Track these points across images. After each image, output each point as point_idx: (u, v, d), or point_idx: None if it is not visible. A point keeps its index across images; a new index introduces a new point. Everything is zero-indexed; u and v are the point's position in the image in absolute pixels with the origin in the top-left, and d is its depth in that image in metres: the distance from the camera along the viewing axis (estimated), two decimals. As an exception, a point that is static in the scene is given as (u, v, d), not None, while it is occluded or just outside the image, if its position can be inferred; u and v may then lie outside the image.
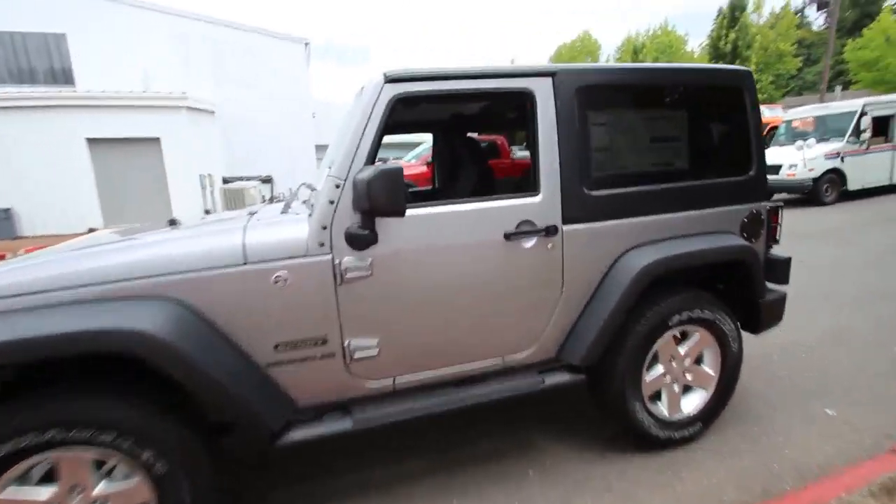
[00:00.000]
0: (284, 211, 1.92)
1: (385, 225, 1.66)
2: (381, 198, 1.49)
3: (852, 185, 9.18)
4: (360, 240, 1.61)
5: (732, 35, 27.91)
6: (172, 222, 1.97)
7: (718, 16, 29.57)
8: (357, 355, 1.71)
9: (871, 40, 23.27)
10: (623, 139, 2.03)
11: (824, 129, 9.62)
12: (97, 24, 13.88)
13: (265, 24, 16.13)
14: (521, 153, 7.64)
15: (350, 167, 1.64)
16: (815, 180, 8.89)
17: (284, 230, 1.64)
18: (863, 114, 9.03)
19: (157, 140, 13.05)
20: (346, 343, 1.69)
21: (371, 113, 1.65)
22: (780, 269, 2.34)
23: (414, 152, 10.76)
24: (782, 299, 2.35)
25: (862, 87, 23.64)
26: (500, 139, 8.56)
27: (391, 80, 1.67)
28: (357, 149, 1.64)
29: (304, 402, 1.71)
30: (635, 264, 1.93)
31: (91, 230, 10.12)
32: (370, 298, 1.70)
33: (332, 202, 1.63)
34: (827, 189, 9.04)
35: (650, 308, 2.01)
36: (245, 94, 15.29)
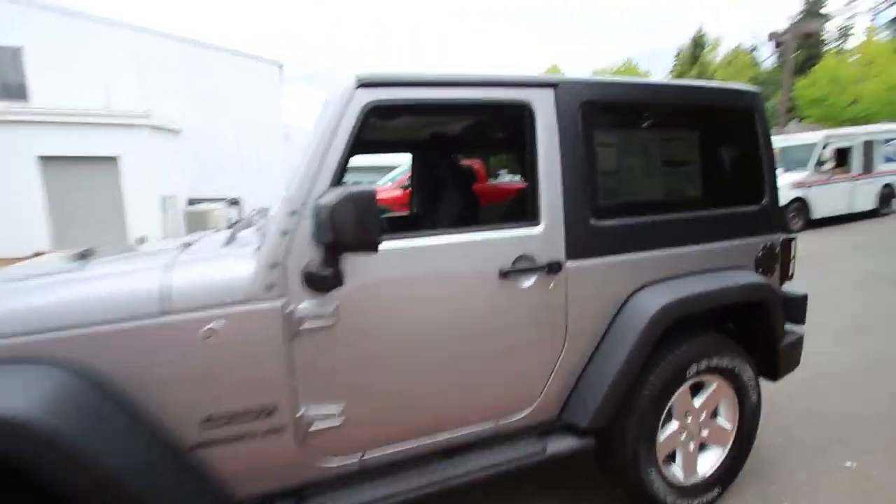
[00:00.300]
0: (229, 242, 1.56)
1: (354, 262, 1.33)
2: (348, 229, 1.17)
3: (817, 213, 9.45)
4: (322, 281, 1.26)
5: (694, 71, 29.46)
6: (83, 255, 1.57)
7: (679, 54, 31.28)
8: (315, 427, 1.34)
9: (818, 79, 24.99)
10: (632, 162, 1.79)
11: (787, 160, 9.96)
12: (57, 39, 13.26)
13: (241, 47, 15.81)
14: (509, 177, 7.45)
15: (310, 190, 1.31)
16: (782, 209, 9.11)
17: (221, 268, 1.28)
18: (825, 145, 9.40)
19: (114, 159, 12.42)
20: (300, 412, 1.32)
21: (339, 124, 1.34)
22: (797, 308, 2.12)
23: (390, 175, 10.47)
24: (800, 341, 2.12)
25: (811, 122, 25.23)
26: (476, 163, 8.38)
27: (364, 84, 1.37)
28: (320, 167, 1.32)
29: (245, 490, 1.32)
30: (650, 306, 1.66)
31: (37, 254, 9.29)
32: (334, 354, 1.34)
33: (285, 233, 1.29)
34: (793, 217, 9.27)
35: (665, 356, 1.73)
36: (216, 115, 14.84)
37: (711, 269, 1.87)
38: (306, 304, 1.29)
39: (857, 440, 2.43)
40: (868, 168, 9.84)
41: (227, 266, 1.29)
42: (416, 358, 1.44)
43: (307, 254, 1.29)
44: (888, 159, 10.13)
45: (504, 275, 1.50)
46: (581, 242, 1.62)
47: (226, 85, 15.01)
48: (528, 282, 1.55)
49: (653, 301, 1.67)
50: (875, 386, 3.03)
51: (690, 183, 1.89)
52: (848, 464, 2.25)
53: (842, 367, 3.30)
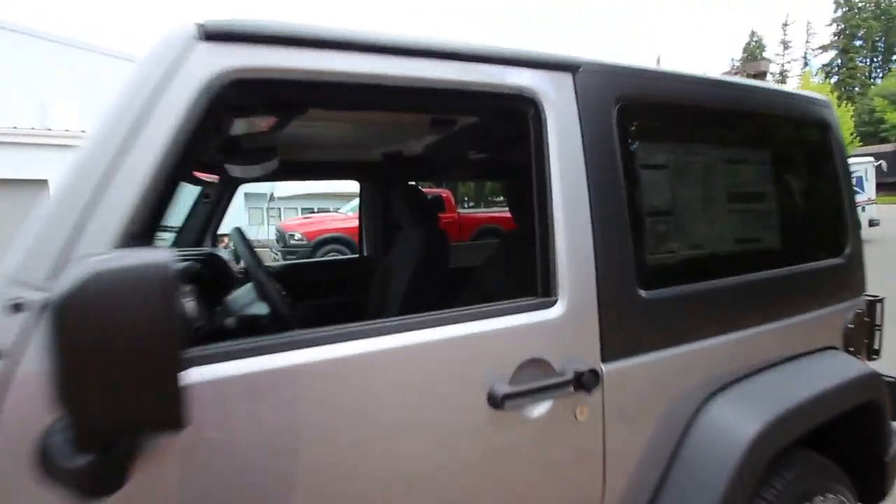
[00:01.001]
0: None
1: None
2: (91, 374, 0.44)
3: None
4: (74, 479, 0.52)
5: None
6: None
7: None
8: None
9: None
10: (690, 196, 1.16)
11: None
12: (-15, 52, 12.08)
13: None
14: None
15: (63, 253, 0.58)
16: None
17: None
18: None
19: (44, 182, 11.16)
20: None
21: (154, 107, 0.63)
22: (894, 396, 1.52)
23: (353, 204, 9.68)
24: None
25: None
26: (445, 193, 7.66)
27: (214, 35, 0.67)
28: (94, 201, 0.60)
29: None
30: (738, 431, 0.99)
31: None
32: None
33: None
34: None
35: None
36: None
37: (797, 356, 1.25)
38: None
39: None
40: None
41: None
42: None
43: (41, 410, 0.55)
44: (849, 191, 10.30)
45: (498, 401, 0.80)
46: (625, 330, 0.95)
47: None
48: (541, 409, 0.86)
49: (740, 421, 1.01)
50: None
51: (767, 227, 1.28)
52: None
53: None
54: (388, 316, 1.84)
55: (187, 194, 1.96)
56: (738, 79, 1.24)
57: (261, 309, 0.91)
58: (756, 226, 1.28)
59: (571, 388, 0.87)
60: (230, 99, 0.70)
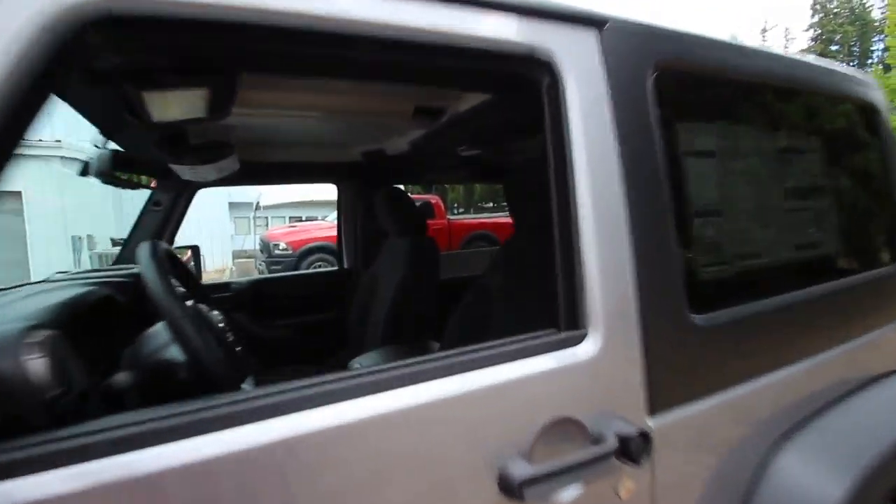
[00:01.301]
0: None
1: None
2: None
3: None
4: None
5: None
6: None
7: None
8: None
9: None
10: (746, 192, 0.93)
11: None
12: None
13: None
14: None
15: None
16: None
17: None
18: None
19: (17, 194, 10.71)
20: None
21: None
22: None
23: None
24: None
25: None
26: (434, 199, 7.36)
27: None
28: None
29: None
30: (818, 495, 0.76)
31: None
32: None
33: None
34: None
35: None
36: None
37: (863, 384, 1.03)
38: None
39: None
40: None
41: None
42: None
43: None
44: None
45: (515, 489, 0.56)
46: (676, 369, 0.72)
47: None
48: (571, 491, 0.61)
49: (821, 480, 0.78)
50: None
51: (824, 230, 1.06)
52: None
53: None
54: (370, 340, 1.60)
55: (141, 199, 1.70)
56: (796, 54, 1.03)
57: (178, 353, 0.66)
58: (820, 228, 1.06)
59: (616, 455, 0.62)
60: (101, 49, 0.45)
